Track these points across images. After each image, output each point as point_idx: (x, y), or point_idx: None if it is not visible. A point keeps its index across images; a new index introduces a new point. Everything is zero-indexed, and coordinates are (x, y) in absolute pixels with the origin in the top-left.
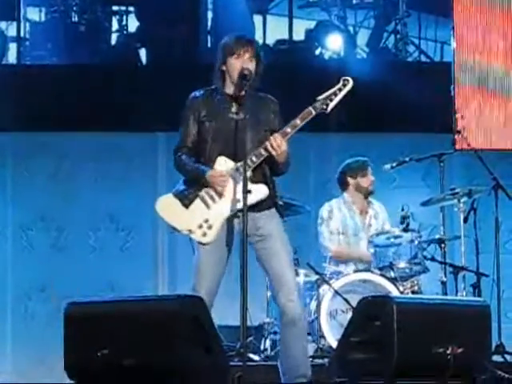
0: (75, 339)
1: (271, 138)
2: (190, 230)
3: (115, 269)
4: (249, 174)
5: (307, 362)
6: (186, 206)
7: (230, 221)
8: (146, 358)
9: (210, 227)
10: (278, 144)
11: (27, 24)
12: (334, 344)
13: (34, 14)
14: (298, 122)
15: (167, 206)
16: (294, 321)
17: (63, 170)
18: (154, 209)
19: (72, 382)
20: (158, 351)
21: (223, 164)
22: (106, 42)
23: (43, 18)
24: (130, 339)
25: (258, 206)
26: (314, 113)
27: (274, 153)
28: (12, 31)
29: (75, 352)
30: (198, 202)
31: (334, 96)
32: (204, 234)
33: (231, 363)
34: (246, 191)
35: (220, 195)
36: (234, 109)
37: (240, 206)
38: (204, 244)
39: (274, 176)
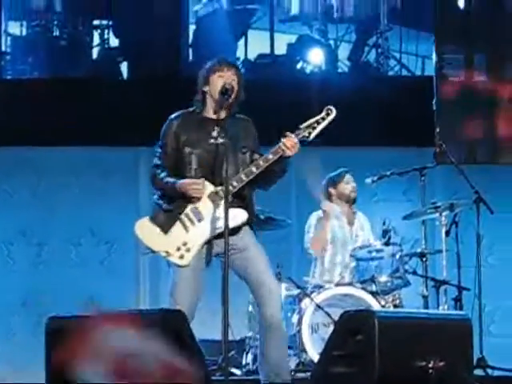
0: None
1: (284, 139)
2: (167, 252)
3: (97, 283)
4: (229, 198)
5: (285, 369)
6: (165, 231)
7: (208, 242)
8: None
9: (188, 250)
10: (294, 144)
11: (8, 38)
12: (316, 358)
13: (16, 28)
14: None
15: (145, 229)
16: (273, 326)
17: (44, 185)
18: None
19: None
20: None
21: (206, 189)
22: (88, 56)
23: (24, 33)
24: None
25: (234, 229)
26: (295, 140)
27: (287, 153)
28: None
29: (57, 366)
30: (177, 225)
31: (317, 124)
32: (181, 257)
33: (213, 377)
34: (227, 209)
35: (199, 219)
36: (214, 133)
37: (219, 230)
38: (181, 266)
39: (263, 189)
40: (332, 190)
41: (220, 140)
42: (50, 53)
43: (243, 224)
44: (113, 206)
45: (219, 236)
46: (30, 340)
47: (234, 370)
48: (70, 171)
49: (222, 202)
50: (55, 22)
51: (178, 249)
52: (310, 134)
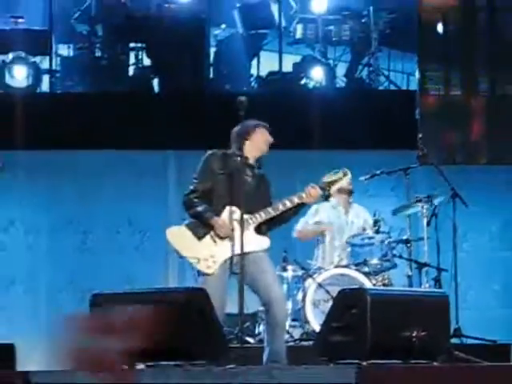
0: None
1: (310, 187)
2: (197, 259)
3: (132, 266)
4: (254, 226)
5: (282, 353)
6: (199, 238)
7: (231, 259)
8: (158, 340)
9: (214, 262)
10: (317, 194)
11: (58, 58)
12: (317, 329)
13: (64, 50)
14: (303, 195)
15: (178, 235)
16: (279, 326)
17: (87, 182)
18: (167, 219)
19: None
20: (168, 334)
21: (230, 212)
22: (125, 73)
23: (71, 54)
24: None
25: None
26: (320, 192)
27: (310, 200)
28: (45, 64)
29: None
30: (208, 237)
31: (335, 182)
32: (208, 267)
33: (231, 345)
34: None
35: (228, 237)
36: (250, 172)
37: (246, 249)
38: (207, 274)
39: (276, 226)
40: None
41: (251, 178)
42: (93, 71)
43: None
44: (146, 200)
45: (243, 253)
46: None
47: (248, 339)
48: (109, 171)
49: (250, 227)
50: (97, 45)
51: (206, 259)
52: (330, 188)
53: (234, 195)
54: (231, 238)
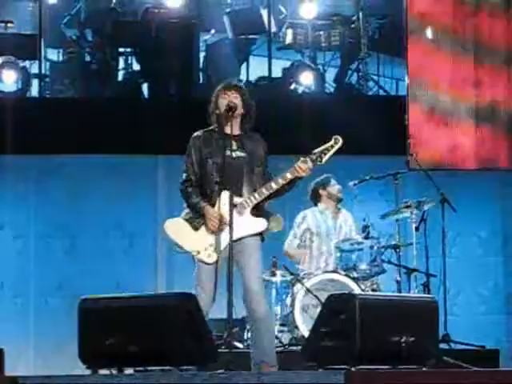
0: (87, 330)
1: (300, 162)
2: (197, 251)
3: (121, 270)
4: (250, 209)
5: (270, 352)
6: (196, 228)
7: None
8: (147, 345)
9: (214, 250)
10: (308, 168)
11: (47, 63)
12: (306, 334)
13: (53, 54)
14: (296, 167)
15: (175, 228)
16: (257, 319)
17: (76, 187)
18: (156, 223)
19: (84, 366)
20: (157, 340)
21: (226, 200)
22: (114, 78)
23: (61, 58)
24: (134, 330)
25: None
26: (310, 163)
27: (302, 174)
28: (34, 69)
29: (88, 341)
30: (205, 227)
31: (327, 151)
32: (209, 256)
33: (219, 350)
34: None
35: (225, 224)
36: (233, 147)
37: (240, 235)
38: (208, 264)
39: (276, 198)
40: (322, 192)
41: (238, 153)
42: (82, 76)
43: (261, 232)
44: (134, 205)
45: (240, 238)
46: (64, 318)
47: (237, 344)
48: (98, 175)
49: (245, 211)
50: (86, 50)
51: (206, 249)
52: (321, 158)
53: (223, 177)
54: (226, 226)
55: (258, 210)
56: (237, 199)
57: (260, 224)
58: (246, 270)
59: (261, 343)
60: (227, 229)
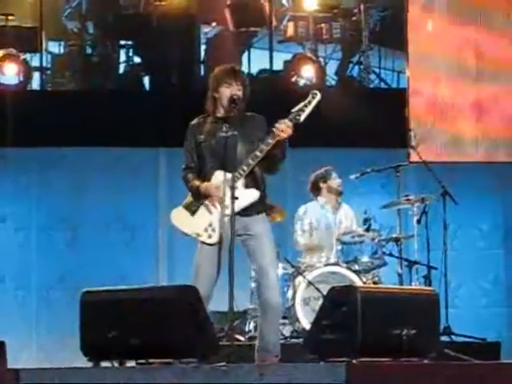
0: (89, 322)
1: (277, 124)
2: (197, 234)
3: (122, 262)
4: (242, 181)
5: (276, 344)
6: (193, 213)
7: (227, 225)
8: (148, 337)
9: (213, 230)
10: (284, 129)
11: (49, 56)
12: (308, 326)
13: (54, 47)
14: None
15: (178, 216)
16: (271, 309)
17: (78, 179)
18: (157, 215)
19: (86, 358)
20: (159, 332)
21: (220, 177)
22: (115, 70)
23: (62, 51)
24: (136, 322)
25: (249, 210)
26: (288, 123)
27: (282, 135)
28: (35, 62)
29: (89, 333)
30: (202, 209)
31: (305, 107)
32: (209, 236)
33: (220, 343)
34: (233, 197)
35: (220, 202)
36: (224, 128)
37: (236, 209)
38: (210, 244)
39: (271, 173)
40: (322, 185)
41: (230, 133)
42: (83, 68)
43: (256, 207)
44: (136, 197)
45: (236, 213)
46: (66, 310)
47: (238, 337)
48: (100, 168)
49: (237, 184)
50: (88, 42)
51: (206, 229)
52: (300, 116)
53: (217, 157)
54: (223, 203)
55: (252, 182)
56: (228, 175)
57: (252, 194)
58: (258, 256)
59: (269, 333)
60: (222, 206)
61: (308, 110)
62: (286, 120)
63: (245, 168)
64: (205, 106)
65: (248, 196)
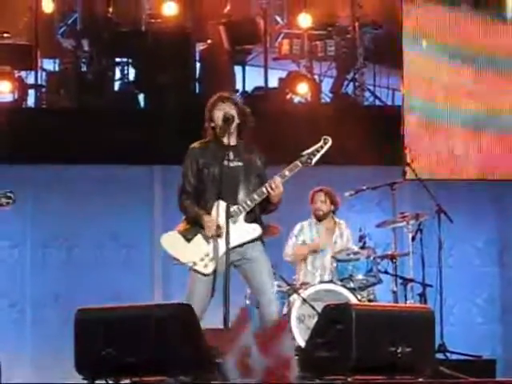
0: (84, 340)
1: (270, 180)
2: (193, 263)
3: (118, 280)
4: (243, 215)
5: None
6: (189, 240)
7: (224, 256)
8: (143, 355)
9: (210, 260)
10: (277, 185)
11: (43, 73)
12: (302, 344)
13: (49, 64)
14: (286, 173)
15: (172, 241)
16: (270, 322)
17: (74, 197)
18: (152, 234)
19: (81, 376)
20: (153, 350)
21: (221, 208)
22: (110, 88)
23: (57, 68)
24: (130, 340)
25: (249, 241)
26: (300, 165)
27: (272, 193)
28: (31, 79)
29: (84, 351)
30: (199, 237)
31: (317, 152)
32: (205, 266)
33: (216, 360)
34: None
35: (219, 234)
36: (230, 157)
37: (235, 243)
38: (205, 275)
39: (266, 214)
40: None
41: (235, 163)
42: (78, 86)
43: (257, 238)
44: (131, 215)
45: (235, 246)
46: (60, 328)
47: None
48: (95, 185)
49: (238, 218)
50: (83, 60)
51: (202, 259)
52: (311, 159)
53: (220, 187)
54: (222, 234)
55: (252, 217)
56: (231, 208)
57: (254, 230)
58: (257, 276)
59: None
60: (223, 238)
61: (319, 155)
62: (276, 177)
63: (249, 203)
64: (204, 135)
65: (250, 231)
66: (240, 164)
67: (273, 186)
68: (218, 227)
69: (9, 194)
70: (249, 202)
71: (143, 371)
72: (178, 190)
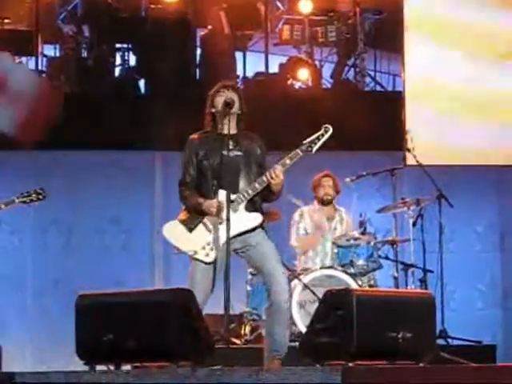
0: (84, 326)
1: (271, 169)
2: (194, 251)
3: (118, 265)
4: (244, 204)
5: (285, 344)
6: (191, 230)
7: (225, 245)
8: (144, 341)
9: (211, 249)
10: (277, 174)
11: (44, 59)
12: (303, 330)
13: (50, 50)
14: (287, 161)
15: (173, 231)
16: (279, 311)
17: (74, 182)
18: (153, 219)
19: (82, 362)
20: (154, 335)
21: (222, 196)
22: (111, 74)
23: (58, 54)
24: (131, 325)
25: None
26: (300, 154)
27: (272, 181)
28: (31, 65)
29: (85, 337)
30: (200, 226)
31: (317, 140)
32: (207, 255)
33: (216, 346)
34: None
35: (220, 222)
36: (230, 146)
37: (236, 231)
38: (206, 263)
39: (267, 202)
40: (314, 193)
41: (235, 152)
42: (79, 71)
43: (259, 226)
44: (132, 200)
45: (236, 235)
46: (61, 314)
47: (234, 340)
48: (95, 171)
49: (239, 207)
50: (83, 46)
51: (203, 248)
52: (312, 148)
53: (220, 177)
54: (223, 222)
55: (253, 206)
56: (232, 196)
57: (255, 218)
58: (264, 260)
59: (278, 333)
60: (224, 226)
61: (319, 144)
62: (277, 166)
63: (250, 192)
64: (204, 124)
65: (251, 220)
66: (240, 153)
67: (273, 174)
68: (220, 207)
69: (39, 191)
70: (250, 191)
71: (144, 356)
72: (178, 181)
